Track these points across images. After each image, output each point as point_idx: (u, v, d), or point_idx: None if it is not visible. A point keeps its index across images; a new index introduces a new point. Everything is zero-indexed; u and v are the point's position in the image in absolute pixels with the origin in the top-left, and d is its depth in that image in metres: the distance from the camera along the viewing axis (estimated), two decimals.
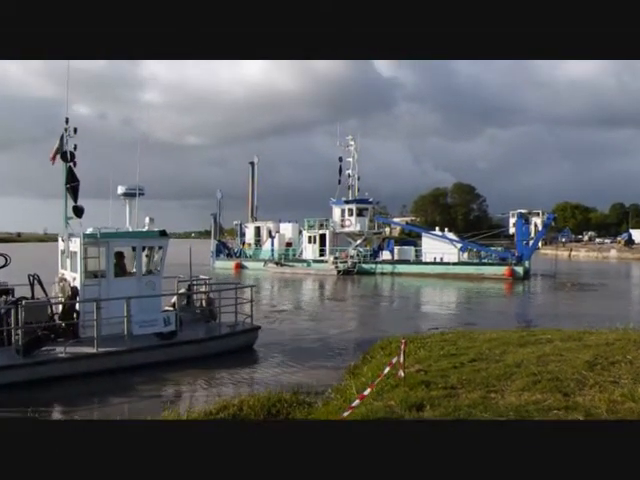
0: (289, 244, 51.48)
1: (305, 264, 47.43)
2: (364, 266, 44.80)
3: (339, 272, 43.56)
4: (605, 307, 25.72)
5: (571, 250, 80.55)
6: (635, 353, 9.56)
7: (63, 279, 14.21)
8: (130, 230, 15.04)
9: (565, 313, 23.94)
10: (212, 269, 52.02)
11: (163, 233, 14.99)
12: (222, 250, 55.30)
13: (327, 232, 47.80)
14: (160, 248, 14.85)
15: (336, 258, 45.42)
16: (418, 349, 11.17)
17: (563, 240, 70.62)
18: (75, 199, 13.48)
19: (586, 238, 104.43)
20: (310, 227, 49.27)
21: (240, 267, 51.11)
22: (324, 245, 47.65)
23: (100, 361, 12.52)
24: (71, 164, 13.55)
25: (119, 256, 14.42)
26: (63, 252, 14.41)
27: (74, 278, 13.88)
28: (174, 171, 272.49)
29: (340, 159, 50.26)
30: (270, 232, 52.72)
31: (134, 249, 14.55)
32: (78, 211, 13.47)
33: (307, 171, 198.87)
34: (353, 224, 47.64)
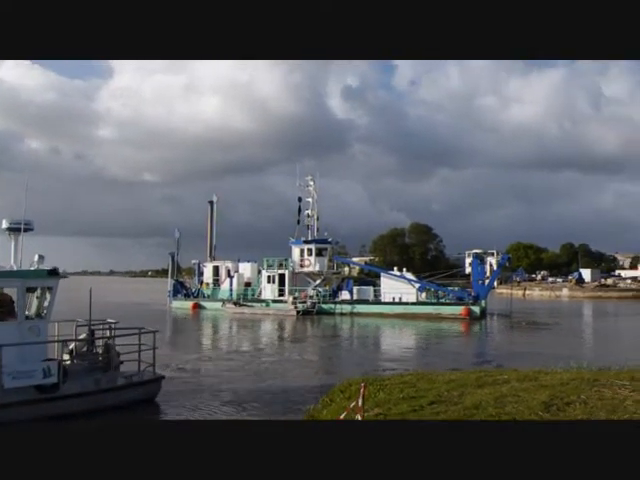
0: (248, 284, 50.97)
1: (264, 304, 46.98)
2: (323, 306, 44.68)
3: (298, 312, 43.29)
4: (559, 345, 26.27)
5: (525, 289, 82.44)
6: (589, 393, 9.73)
7: None
8: (14, 269, 13.39)
9: (521, 352, 24.32)
10: (169, 309, 51.07)
11: (53, 272, 13.36)
12: (179, 290, 54.33)
13: (286, 272, 47.61)
14: (49, 289, 13.28)
15: (295, 298, 45.19)
16: (377, 391, 11.09)
17: (519, 279, 72.39)
18: None
19: (539, 277, 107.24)
20: (269, 267, 49.02)
21: (198, 307, 50.21)
22: (283, 285, 47.39)
23: None
24: None
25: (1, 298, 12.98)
26: None
27: None
28: (130, 208, 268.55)
29: (299, 199, 50.57)
30: (229, 272, 52.15)
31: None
32: None
33: (265, 210, 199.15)
34: (312, 264, 47.65)
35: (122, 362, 14.81)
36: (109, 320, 15.82)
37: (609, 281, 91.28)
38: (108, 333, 15.41)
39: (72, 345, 14.10)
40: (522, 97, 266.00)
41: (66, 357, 13.72)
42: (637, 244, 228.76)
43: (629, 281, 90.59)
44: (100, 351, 14.89)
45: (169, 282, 54.86)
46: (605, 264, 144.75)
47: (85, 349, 14.56)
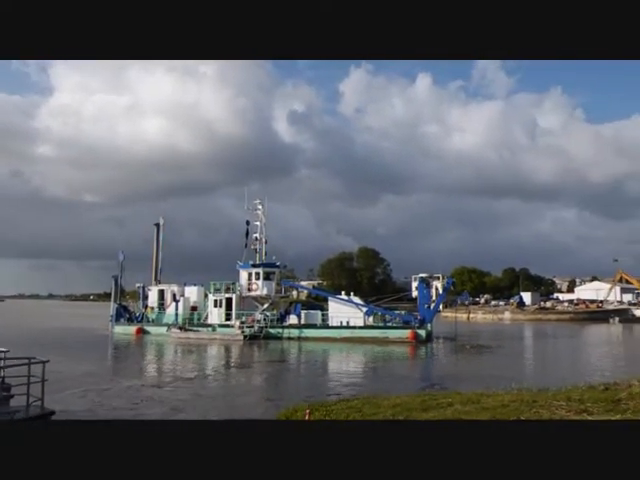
0: (194, 308, 49.99)
1: (210, 329, 46.13)
2: (271, 331, 44.28)
3: (245, 337, 42.73)
4: (501, 368, 26.92)
5: (469, 312, 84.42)
6: (528, 414, 9.99)
7: None
8: None
9: (465, 375, 24.76)
10: (111, 334, 49.44)
11: None
12: (122, 314, 52.74)
13: (234, 296, 47.04)
14: None
15: (242, 322, 44.62)
16: (324, 417, 11.04)
17: (467, 302, 74.28)
18: None
19: (482, 301, 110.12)
20: (216, 290, 48.30)
21: (142, 332, 48.82)
22: (230, 309, 46.73)
23: None
24: None
25: None
26: None
27: None
28: (72, 230, 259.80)
29: (247, 222, 50.25)
30: (174, 295, 51.03)
31: None
32: None
33: (212, 233, 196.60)
34: (260, 288, 47.25)
35: (12, 396, 13.39)
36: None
37: (548, 304, 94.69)
38: None
39: None
40: (463, 126, 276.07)
41: None
42: (573, 268, 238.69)
43: (566, 304, 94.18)
44: None
45: (112, 306, 53.23)
46: (544, 287, 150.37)
47: None
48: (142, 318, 51.68)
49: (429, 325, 43.48)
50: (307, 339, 42.75)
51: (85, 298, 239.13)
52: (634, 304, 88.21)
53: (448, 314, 71.19)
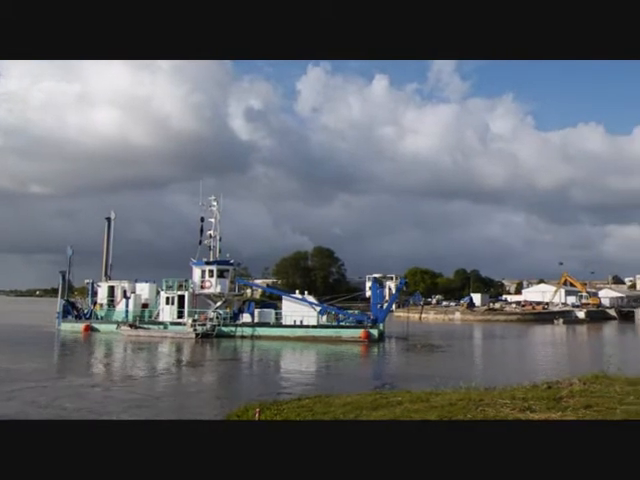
0: (145, 305, 49.03)
1: (162, 326, 45.36)
2: (224, 329, 43.88)
3: (197, 335, 42.19)
4: (451, 367, 27.49)
5: (421, 313, 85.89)
6: (474, 412, 10.24)
7: None
8: None
9: (416, 374, 25.17)
10: (57, 331, 47.95)
11: None
12: (70, 311, 51.23)
13: (186, 293, 46.38)
14: None
15: (195, 320, 44.03)
16: (275, 416, 11.01)
17: (421, 303, 75.63)
18: None
19: (434, 301, 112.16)
20: (169, 288, 47.48)
21: (90, 329, 47.52)
22: (183, 307, 46.07)
23: None
24: None
25: None
26: None
27: None
28: (17, 222, 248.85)
29: (202, 219, 49.58)
30: (125, 292, 49.89)
31: None
32: None
33: (165, 229, 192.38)
34: (214, 285, 46.72)
35: None
36: None
37: (497, 305, 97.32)
38: None
39: None
40: (418, 129, 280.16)
41: None
42: (521, 271, 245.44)
43: (514, 305, 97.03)
44: None
45: (59, 302, 51.65)
46: (494, 289, 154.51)
47: None
48: (91, 315, 50.33)
49: (381, 325, 43.96)
50: (260, 338, 42.57)
51: (31, 294, 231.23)
52: (577, 306, 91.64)
53: (401, 314, 72.16)
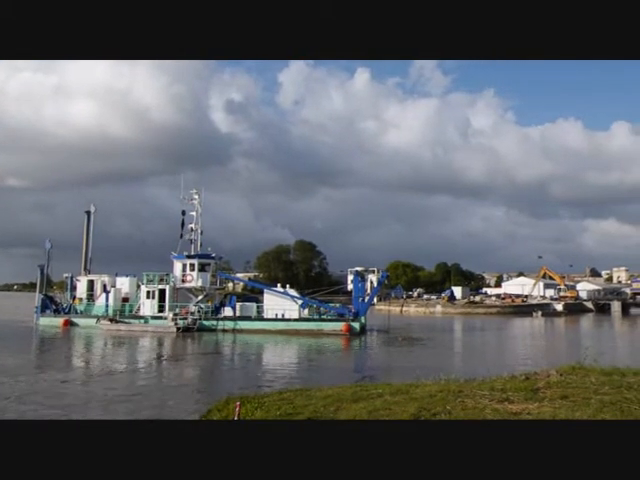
0: (126, 299, 48.59)
1: (142, 321, 45.04)
2: (205, 323, 43.72)
3: (179, 329, 41.98)
4: (431, 359, 27.75)
5: (403, 306, 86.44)
6: (454, 404, 10.35)
7: None
8: None
9: (396, 366, 25.36)
10: (35, 326, 47.36)
11: None
12: (49, 305, 50.60)
13: (167, 287, 46.06)
14: None
15: (176, 314, 43.80)
16: (255, 409, 11.02)
17: (403, 296, 76.05)
18: None
19: (415, 294, 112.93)
20: (149, 282, 47.09)
21: (69, 324, 47.04)
22: (164, 301, 45.76)
23: None
24: None
25: None
26: None
27: None
28: None
29: (183, 212, 49.25)
30: (105, 286, 49.39)
31: None
32: None
33: (145, 222, 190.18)
34: (195, 279, 46.49)
35: None
36: None
37: (477, 298, 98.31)
38: None
39: None
40: (399, 123, 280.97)
41: None
42: (501, 265, 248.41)
43: (494, 298, 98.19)
44: None
45: (37, 297, 50.99)
46: (474, 282, 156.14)
47: None
48: (70, 309, 49.78)
49: (363, 318, 44.17)
50: (242, 331, 42.52)
51: (8, 288, 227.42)
52: (555, 299, 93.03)
53: (382, 307, 72.59)
